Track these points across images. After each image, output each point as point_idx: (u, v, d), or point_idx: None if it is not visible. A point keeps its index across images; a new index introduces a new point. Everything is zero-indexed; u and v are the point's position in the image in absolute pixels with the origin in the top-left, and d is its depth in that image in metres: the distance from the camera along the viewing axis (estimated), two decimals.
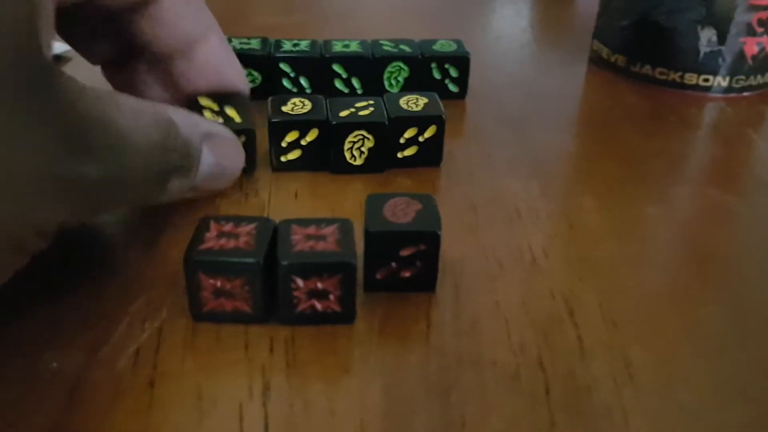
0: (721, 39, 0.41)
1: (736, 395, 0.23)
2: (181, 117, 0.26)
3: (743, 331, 0.26)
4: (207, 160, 0.27)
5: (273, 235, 0.24)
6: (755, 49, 0.42)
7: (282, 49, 0.39)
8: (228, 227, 0.24)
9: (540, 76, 0.46)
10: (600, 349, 0.24)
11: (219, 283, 0.23)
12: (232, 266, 0.23)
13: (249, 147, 0.31)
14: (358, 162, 0.33)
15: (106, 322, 0.25)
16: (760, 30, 0.41)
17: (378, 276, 0.26)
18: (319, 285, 0.23)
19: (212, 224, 0.24)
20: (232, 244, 0.24)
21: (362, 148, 0.33)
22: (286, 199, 0.32)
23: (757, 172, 0.36)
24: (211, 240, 0.24)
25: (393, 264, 0.25)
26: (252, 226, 0.24)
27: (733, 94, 0.43)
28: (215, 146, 0.28)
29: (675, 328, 0.25)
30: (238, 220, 0.25)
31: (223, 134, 0.29)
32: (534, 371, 0.23)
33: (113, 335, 0.24)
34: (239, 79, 0.33)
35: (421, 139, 0.33)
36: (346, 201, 0.32)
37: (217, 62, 0.32)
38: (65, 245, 0.28)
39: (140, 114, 0.24)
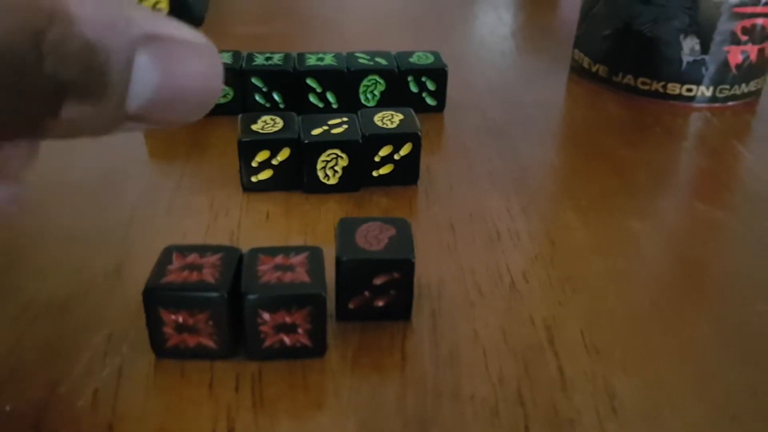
0: (705, 48, 0.41)
1: (728, 421, 0.22)
2: (91, 6, 0.16)
3: (734, 351, 0.25)
4: (148, 76, 0.17)
5: (239, 266, 0.23)
6: (739, 58, 0.41)
7: (254, 63, 0.38)
8: (191, 258, 0.23)
9: (521, 86, 0.45)
10: (582, 379, 0.23)
11: (181, 318, 0.22)
12: (195, 300, 0.22)
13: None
14: (332, 181, 0.32)
15: (66, 356, 0.23)
16: (744, 38, 0.40)
17: (351, 305, 0.25)
18: (287, 319, 0.22)
19: (175, 255, 0.23)
20: (195, 276, 0.22)
21: (336, 167, 0.32)
22: (258, 221, 0.31)
23: (745, 185, 0.35)
24: (173, 272, 0.23)
25: (366, 293, 0.24)
26: (217, 256, 0.23)
27: (717, 104, 0.42)
28: (164, 56, 0.18)
29: (661, 352, 0.25)
30: (203, 249, 0.24)
31: (180, 37, 0.18)
32: (513, 406, 0.22)
33: (73, 372, 0.23)
34: None
35: (396, 157, 0.32)
36: (319, 222, 0.31)
37: None
38: (21, 274, 0.27)
39: None
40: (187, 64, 0.18)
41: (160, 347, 0.23)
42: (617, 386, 0.23)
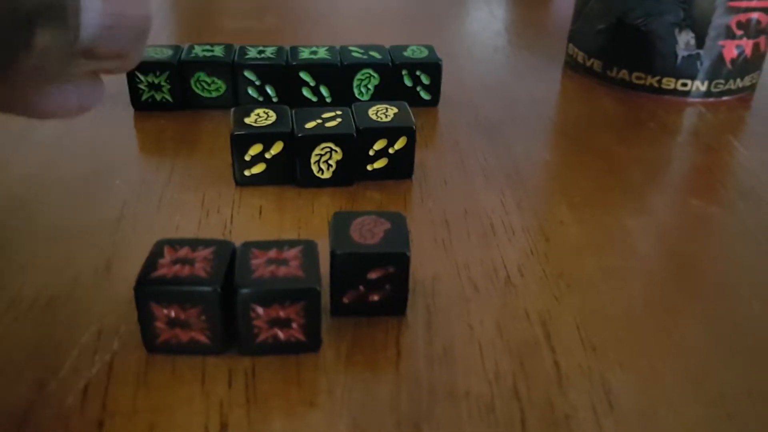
0: (700, 42, 0.40)
1: (724, 418, 0.22)
2: None
3: (729, 349, 0.24)
4: (92, 5, 0.19)
5: (231, 260, 0.23)
6: (734, 53, 0.41)
7: (247, 57, 0.38)
8: (183, 252, 0.23)
9: (515, 81, 0.45)
10: (578, 375, 0.23)
11: (173, 313, 0.22)
12: (187, 295, 0.22)
13: None
14: (326, 175, 0.32)
15: (54, 353, 0.23)
16: (739, 32, 0.40)
17: (345, 300, 0.24)
18: (281, 313, 0.22)
19: (166, 249, 0.23)
20: (187, 270, 0.22)
21: (330, 161, 0.31)
22: (250, 216, 0.30)
23: (740, 181, 0.35)
24: (165, 266, 0.22)
25: (361, 287, 0.24)
26: (209, 250, 0.23)
27: (711, 99, 0.42)
28: None
29: (657, 349, 0.24)
30: (195, 243, 0.23)
31: None
32: (509, 402, 0.22)
33: (62, 369, 0.23)
34: None
35: (391, 150, 0.32)
36: (313, 216, 0.30)
37: None
38: (9, 270, 0.26)
39: None
40: None
41: (151, 343, 0.23)
42: (613, 382, 0.23)
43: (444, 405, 0.22)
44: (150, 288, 0.22)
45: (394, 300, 0.25)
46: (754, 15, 0.40)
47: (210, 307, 0.22)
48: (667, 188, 0.35)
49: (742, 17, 0.40)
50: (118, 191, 0.32)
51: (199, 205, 0.31)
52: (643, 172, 0.35)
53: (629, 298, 0.27)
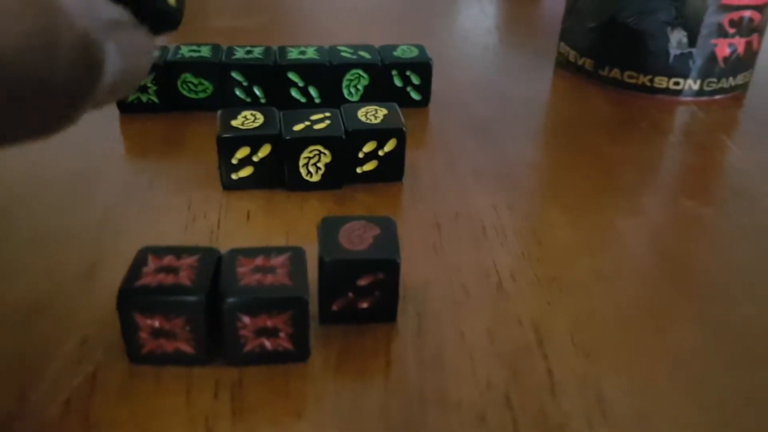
0: (692, 41, 0.40)
1: (722, 426, 0.21)
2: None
3: (725, 353, 0.24)
4: (114, 62, 0.17)
5: (217, 268, 0.22)
6: (727, 51, 0.40)
7: (234, 57, 0.37)
8: (167, 260, 0.22)
9: (506, 80, 0.45)
10: (571, 382, 0.23)
11: (157, 323, 0.21)
12: (171, 305, 0.21)
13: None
14: (315, 178, 0.31)
15: (36, 364, 0.22)
16: (731, 31, 0.40)
17: (334, 307, 0.24)
18: (268, 322, 0.22)
19: (150, 257, 0.22)
20: (171, 279, 0.22)
21: (319, 164, 0.31)
22: (238, 221, 0.30)
23: (733, 181, 0.35)
24: (148, 275, 0.22)
25: (350, 294, 0.24)
26: (194, 258, 0.22)
27: (704, 98, 0.42)
28: (125, 41, 0.18)
29: (652, 354, 0.24)
30: (179, 251, 0.23)
31: (129, 22, 0.19)
32: (501, 411, 0.21)
33: (44, 380, 0.22)
34: None
35: (380, 153, 0.31)
36: (302, 221, 0.30)
37: None
38: None
39: None
40: (138, 46, 0.19)
41: (135, 353, 0.22)
42: (607, 389, 0.22)
43: (435, 414, 0.21)
44: (133, 298, 0.21)
45: (384, 307, 0.24)
46: (747, 13, 0.39)
47: (195, 316, 0.21)
48: (659, 188, 0.34)
49: (735, 15, 0.39)
50: (103, 195, 0.31)
51: (186, 209, 0.30)
52: (636, 172, 0.35)
53: (623, 302, 0.26)
